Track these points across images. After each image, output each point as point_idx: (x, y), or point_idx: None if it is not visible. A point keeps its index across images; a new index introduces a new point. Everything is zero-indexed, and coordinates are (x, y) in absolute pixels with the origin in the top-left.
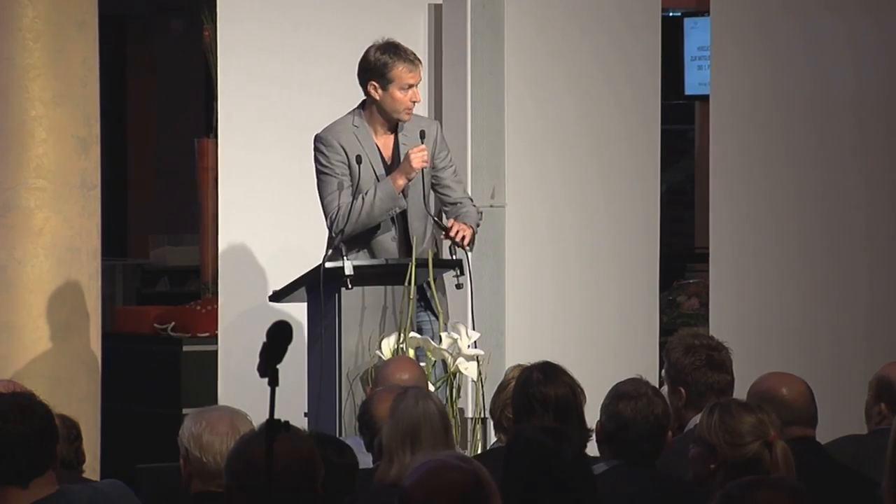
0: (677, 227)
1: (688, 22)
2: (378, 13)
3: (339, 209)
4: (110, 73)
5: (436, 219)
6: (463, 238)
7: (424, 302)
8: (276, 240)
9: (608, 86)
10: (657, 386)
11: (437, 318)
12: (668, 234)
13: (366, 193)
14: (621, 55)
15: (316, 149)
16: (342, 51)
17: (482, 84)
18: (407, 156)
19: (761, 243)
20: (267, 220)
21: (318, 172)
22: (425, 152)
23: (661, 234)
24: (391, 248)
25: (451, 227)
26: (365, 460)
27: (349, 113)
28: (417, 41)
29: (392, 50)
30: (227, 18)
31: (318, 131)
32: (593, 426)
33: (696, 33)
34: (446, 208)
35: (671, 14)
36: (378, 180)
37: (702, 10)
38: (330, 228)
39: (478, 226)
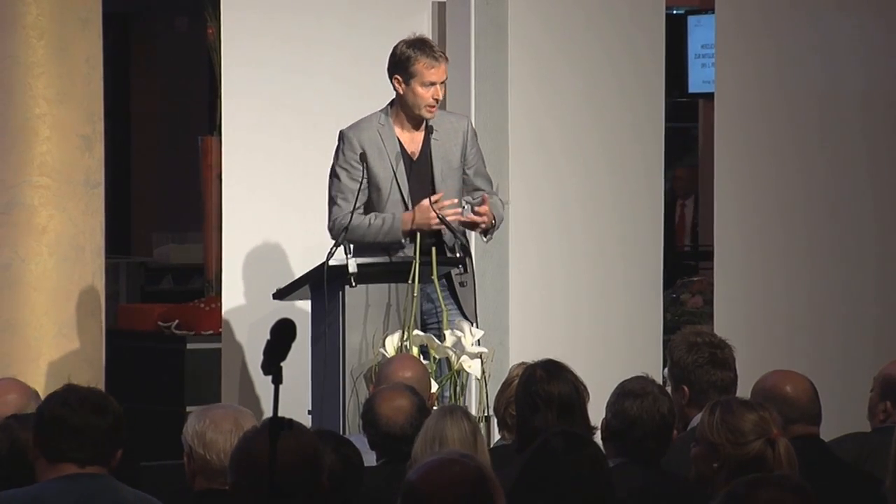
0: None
1: (691, 20)
2: (382, 11)
3: (343, 217)
4: (114, 70)
5: (446, 221)
6: (479, 225)
7: (451, 296)
8: (279, 238)
9: (612, 83)
10: (661, 384)
11: (464, 316)
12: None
13: (375, 217)
14: (625, 53)
15: (337, 145)
16: (346, 48)
17: (486, 81)
18: (425, 207)
19: (765, 241)
20: (270, 217)
21: (332, 168)
22: (441, 210)
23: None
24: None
25: (481, 209)
26: (368, 458)
27: (379, 110)
28: None
29: (418, 45)
30: (230, 16)
31: (343, 127)
32: (596, 424)
33: (700, 31)
34: (471, 200)
35: (675, 12)
36: (396, 178)
37: (705, 8)
38: (330, 228)
39: (500, 220)
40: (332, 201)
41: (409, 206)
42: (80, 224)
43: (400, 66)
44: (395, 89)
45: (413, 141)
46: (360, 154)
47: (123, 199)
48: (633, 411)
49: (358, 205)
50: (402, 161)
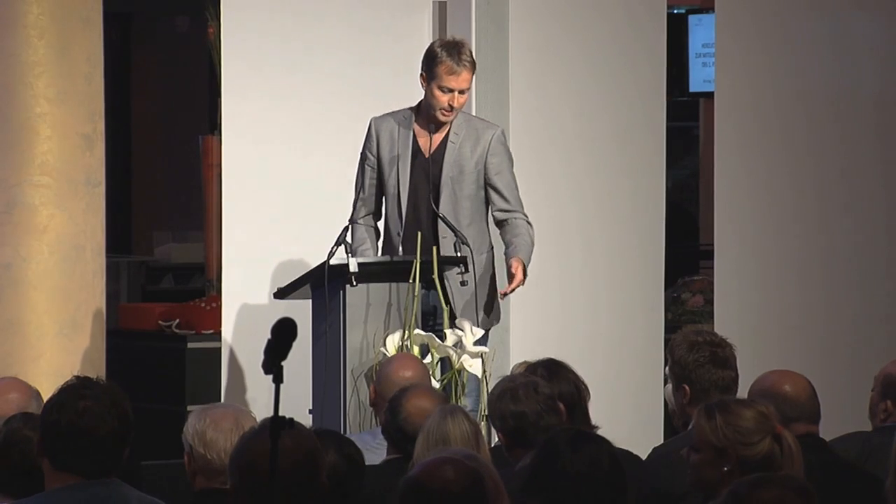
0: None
1: (692, 19)
2: (383, 10)
3: (352, 222)
4: (115, 69)
5: (446, 219)
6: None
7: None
8: (280, 237)
9: (613, 83)
10: (662, 383)
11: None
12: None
13: (368, 248)
14: (626, 52)
15: None
16: (346, 47)
17: (486, 81)
18: None
19: (765, 240)
20: (271, 217)
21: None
22: None
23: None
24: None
25: (513, 279)
26: (370, 457)
27: (411, 106)
28: (422, 38)
29: (448, 47)
30: (231, 15)
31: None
32: (598, 423)
33: (701, 30)
34: (495, 214)
35: (675, 11)
36: (398, 172)
37: (706, 7)
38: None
39: (531, 244)
40: (355, 198)
41: (402, 203)
42: (81, 223)
43: (427, 63)
44: (421, 85)
45: (431, 140)
46: (393, 157)
47: (124, 199)
48: (513, 407)
49: (365, 195)
50: (408, 157)
